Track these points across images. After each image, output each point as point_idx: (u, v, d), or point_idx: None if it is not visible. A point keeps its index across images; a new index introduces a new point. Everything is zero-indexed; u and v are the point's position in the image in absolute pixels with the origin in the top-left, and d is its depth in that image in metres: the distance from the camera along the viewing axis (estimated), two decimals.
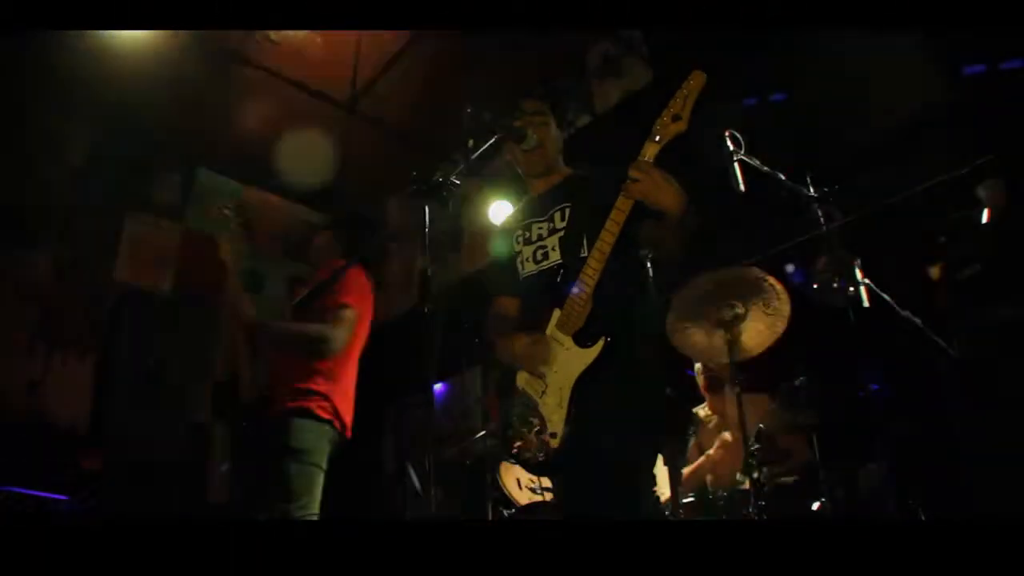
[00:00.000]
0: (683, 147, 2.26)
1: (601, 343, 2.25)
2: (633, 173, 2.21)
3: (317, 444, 3.15)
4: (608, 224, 2.25)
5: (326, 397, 3.22)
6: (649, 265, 2.73)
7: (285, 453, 3.07)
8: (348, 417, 3.33)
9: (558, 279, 2.37)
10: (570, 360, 2.29)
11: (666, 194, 2.20)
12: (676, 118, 2.21)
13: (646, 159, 2.22)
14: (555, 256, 2.48)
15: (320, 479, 3.14)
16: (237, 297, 3.36)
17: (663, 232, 2.29)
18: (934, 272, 3.50)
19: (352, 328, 3.29)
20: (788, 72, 4.24)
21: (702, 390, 4.18)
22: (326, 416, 3.20)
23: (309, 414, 3.16)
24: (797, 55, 4.08)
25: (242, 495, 3.57)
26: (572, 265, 2.35)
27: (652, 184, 2.19)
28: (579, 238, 2.40)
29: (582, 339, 2.28)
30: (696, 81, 2.22)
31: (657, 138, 2.23)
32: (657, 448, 2.56)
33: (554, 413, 2.29)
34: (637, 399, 2.28)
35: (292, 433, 3.11)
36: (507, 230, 2.72)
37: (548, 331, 2.35)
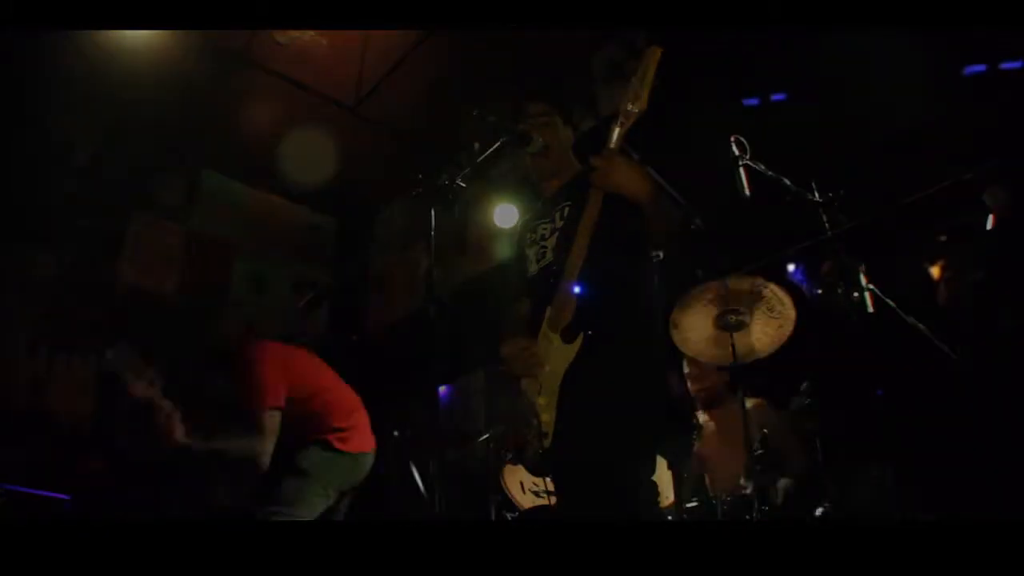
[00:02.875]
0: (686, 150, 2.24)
1: (580, 338, 2.24)
2: (594, 162, 2.19)
3: (326, 472, 3.23)
4: (584, 218, 2.24)
5: (343, 429, 3.31)
6: (658, 265, 2.70)
7: (289, 470, 3.19)
8: (366, 433, 3.44)
9: (551, 278, 2.35)
10: (558, 358, 2.27)
11: (629, 178, 2.18)
12: (636, 98, 2.17)
13: (611, 146, 2.19)
14: (552, 255, 2.47)
15: (316, 498, 3.19)
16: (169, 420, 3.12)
17: (647, 222, 2.25)
18: (934, 271, 3.49)
19: (276, 430, 3.20)
20: (791, 73, 4.23)
21: (700, 407, 4.14)
22: (343, 448, 3.28)
23: (327, 445, 3.26)
24: (799, 56, 4.07)
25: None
26: (563, 263, 2.33)
27: (614, 170, 2.17)
28: (573, 235, 2.34)
29: (567, 336, 2.27)
30: (651, 58, 2.16)
31: (620, 120, 2.20)
32: (651, 448, 2.35)
33: (546, 412, 2.27)
34: (624, 396, 2.20)
35: (303, 455, 3.21)
36: (517, 232, 2.70)
37: (542, 330, 2.34)
